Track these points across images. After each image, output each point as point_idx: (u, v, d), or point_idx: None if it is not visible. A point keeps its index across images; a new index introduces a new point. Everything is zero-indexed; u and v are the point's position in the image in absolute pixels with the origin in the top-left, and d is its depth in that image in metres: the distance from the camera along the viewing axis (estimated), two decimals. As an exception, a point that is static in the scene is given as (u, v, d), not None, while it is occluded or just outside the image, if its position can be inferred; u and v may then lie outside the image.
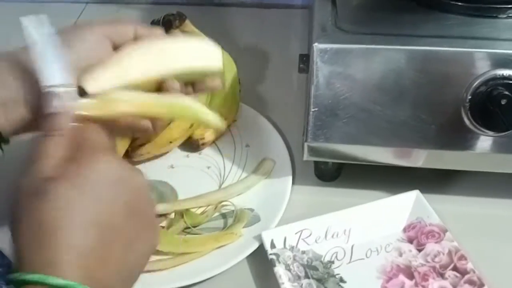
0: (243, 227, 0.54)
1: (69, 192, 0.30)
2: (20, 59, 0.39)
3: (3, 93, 0.39)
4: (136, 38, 0.42)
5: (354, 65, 0.50)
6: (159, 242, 0.35)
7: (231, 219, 0.55)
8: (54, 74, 0.34)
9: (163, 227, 0.54)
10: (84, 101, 0.36)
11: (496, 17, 0.53)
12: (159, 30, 0.44)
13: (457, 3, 0.54)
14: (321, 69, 0.50)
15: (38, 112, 0.37)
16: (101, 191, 0.31)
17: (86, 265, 0.29)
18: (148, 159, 0.61)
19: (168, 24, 0.60)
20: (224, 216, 0.56)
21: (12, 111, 0.39)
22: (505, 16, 0.53)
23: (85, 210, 0.30)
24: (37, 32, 0.35)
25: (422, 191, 0.54)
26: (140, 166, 0.61)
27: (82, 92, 0.37)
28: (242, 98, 0.67)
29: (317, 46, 0.49)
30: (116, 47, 0.42)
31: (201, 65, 0.43)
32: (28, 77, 0.38)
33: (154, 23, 0.61)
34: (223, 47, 0.64)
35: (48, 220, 0.29)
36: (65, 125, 0.34)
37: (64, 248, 0.29)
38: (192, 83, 0.45)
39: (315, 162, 0.59)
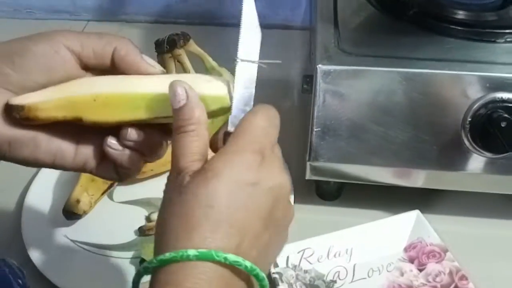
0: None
1: (208, 186, 0.30)
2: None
3: None
4: (113, 61, 0.36)
5: (356, 87, 0.50)
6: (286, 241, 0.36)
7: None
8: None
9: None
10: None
11: (494, 41, 0.54)
12: (152, 68, 0.36)
13: (457, 27, 0.55)
14: (324, 90, 0.51)
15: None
16: (241, 195, 0.31)
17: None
18: (151, 177, 0.61)
19: (173, 44, 0.61)
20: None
21: None
22: (503, 40, 0.54)
23: (223, 208, 0.30)
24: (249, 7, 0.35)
25: (423, 211, 0.55)
26: (142, 183, 0.61)
27: (11, 113, 0.33)
28: (243, 117, 0.67)
29: (320, 67, 0.50)
30: (87, 68, 0.36)
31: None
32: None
33: (159, 42, 0.62)
34: (226, 67, 0.66)
35: (188, 213, 0.30)
36: (200, 118, 0.33)
37: (207, 244, 0.29)
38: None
39: (317, 182, 0.60)
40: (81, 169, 0.37)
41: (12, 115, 0.34)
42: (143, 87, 0.35)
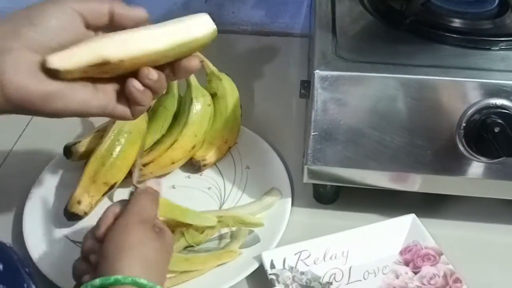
0: (244, 247, 0.55)
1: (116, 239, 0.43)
2: None
3: None
4: (112, 17, 0.40)
5: (353, 92, 0.52)
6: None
7: (225, 240, 0.56)
8: None
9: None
10: None
11: (489, 49, 0.55)
12: (140, 11, 0.41)
13: (452, 35, 0.56)
14: (321, 95, 0.52)
15: None
16: (148, 242, 0.43)
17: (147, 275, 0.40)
18: (150, 179, 0.62)
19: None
20: (220, 236, 0.57)
21: None
22: (497, 48, 0.55)
23: (140, 250, 0.42)
24: None
25: (418, 215, 0.56)
26: (143, 185, 0.62)
27: (48, 72, 0.37)
28: (243, 122, 0.68)
29: (318, 73, 0.51)
30: (89, 26, 0.40)
31: (188, 36, 0.41)
32: None
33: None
34: (226, 73, 0.67)
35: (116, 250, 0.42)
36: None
37: (133, 263, 0.41)
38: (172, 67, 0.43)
39: (314, 185, 0.61)
40: (102, 112, 0.41)
41: (49, 74, 0.37)
42: (149, 42, 0.39)
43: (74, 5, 0.39)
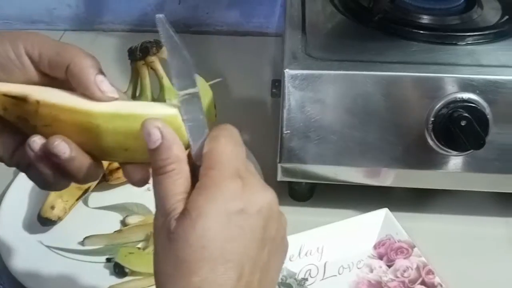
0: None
1: (198, 227, 0.30)
2: None
3: None
4: (68, 70, 0.34)
5: (323, 90, 0.52)
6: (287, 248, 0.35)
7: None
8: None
9: (139, 248, 0.55)
10: None
11: (456, 44, 0.56)
12: (95, 88, 0.34)
13: (419, 31, 0.57)
14: (292, 94, 0.52)
15: None
16: (231, 226, 0.30)
17: None
18: (125, 182, 0.62)
19: (145, 51, 0.62)
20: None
21: None
22: (464, 43, 0.56)
23: (216, 243, 0.30)
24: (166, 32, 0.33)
25: (392, 209, 0.57)
26: (117, 189, 0.62)
27: None
28: (217, 122, 0.68)
29: (288, 72, 0.52)
30: (44, 75, 0.36)
31: (138, 111, 0.34)
32: None
33: (132, 50, 0.63)
34: (200, 73, 0.67)
35: (184, 259, 0.30)
36: (179, 156, 0.32)
37: (208, 285, 0.29)
38: None
39: (289, 183, 0.61)
40: (15, 164, 0.37)
41: None
42: (85, 103, 0.34)
43: (29, 50, 0.35)
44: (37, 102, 0.34)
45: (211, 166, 0.31)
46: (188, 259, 0.29)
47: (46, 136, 0.34)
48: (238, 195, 0.31)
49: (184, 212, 0.30)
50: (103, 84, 0.34)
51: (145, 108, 0.34)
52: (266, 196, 0.33)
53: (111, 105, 0.34)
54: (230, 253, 0.30)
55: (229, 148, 0.32)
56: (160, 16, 0.33)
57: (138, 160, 0.35)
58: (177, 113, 0.33)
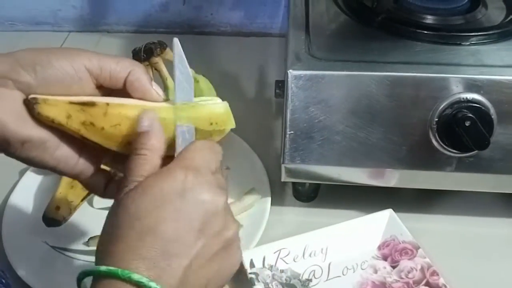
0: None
1: (139, 200, 0.33)
2: None
3: None
4: (125, 84, 0.38)
5: (327, 90, 0.52)
6: (237, 264, 0.37)
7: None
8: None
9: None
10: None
11: (460, 44, 0.56)
12: (152, 91, 0.39)
13: (423, 31, 0.57)
14: (295, 94, 0.52)
15: None
16: (169, 206, 0.33)
17: (149, 272, 0.31)
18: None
19: (149, 52, 0.62)
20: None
21: None
22: (468, 43, 0.56)
23: (150, 219, 0.33)
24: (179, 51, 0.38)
25: (396, 210, 0.56)
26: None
27: (28, 106, 0.36)
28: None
29: (291, 72, 0.52)
30: (101, 87, 0.39)
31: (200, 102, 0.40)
32: None
33: (136, 51, 0.63)
34: (204, 74, 0.67)
35: (119, 225, 0.33)
36: (154, 146, 0.36)
37: (131, 253, 0.32)
38: None
39: (293, 184, 0.61)
40: (76, 176, 0.40)
41: (30, 110, 0.36)
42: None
43: (89, 65, 0.37)
44: (107, 104, 0.37)
45: (175, 159, 0.36)
46: (122, 226, 0.33)
47: (112, 136, 0.37)
48: (185, 182, 0.34)
49: (135, 186, 0.34)
50: (158, 88, 0.39)
51: (200, 101, 0.40)
52: (216, 194, 0.35)
53: (167, 103, 0.39)
54: (161, 231, 0.32)
55: (198, 149, 0.37)
56: (175, 39, 0.38)
57: None
58: (227, 103, 0.40)
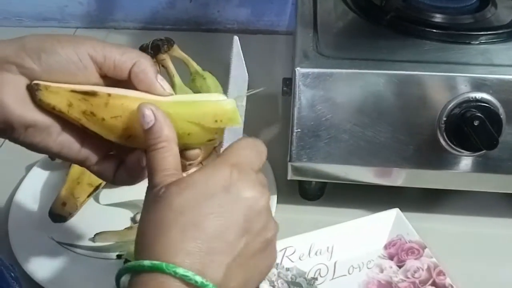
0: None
1: (182, 194, 0.32)
2: None
3: None
4: (130, 74, 0.37)
5: (334, 89, 0.52)
6: (273, 264, 0.37)
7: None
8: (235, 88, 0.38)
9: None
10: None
11: (469, 43, 0.56)
12: (157, 84, 0.38)
13: (432, 30, 0.57)
14: (303, 92, 0.52)
15: None
16: (213, 202, 0.33)
17: (193, 266, 0.31)
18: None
19: (157, 49, 0.62)
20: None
21: None
22: (477, 42, 0.56)
23: (194, 214, 0.32)
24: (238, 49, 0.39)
25: (403, 209, 0.56)
26: (128, 186, 0.62)
27: (31, 92, 0.36)
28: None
29: (299, 70, 0.52)
30: (105, 76, 0.38)
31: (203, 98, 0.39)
32: None
33: (143, 48, 0.63)
34: (210, 71, 0.67)
35: (160, 219, 0.32)
36: (169, 135, 0.35)
37: (174, 247, 0.31)
38: None
39: (299, 182, 0.61)
40: (81, 163, 0.40)
41: (32, 96, 0.36)
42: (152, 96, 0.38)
43: (93, 53, 0.37)
44: (108, 95, 0.36)
45: (220, 155, 0.35)
46: (165, 221, 0.32)
47: (112, 127, 0.37)
48: (228, 178, 0.33)
49: (177, 181, 0.33)
50: (164, 82, 0.38)
51: (204, 97, 0.39)
52: (258, 193, 0.34)
53: (172, 98, 0.38)
54: (204, 226, 0.32)
55: (243, 148, 0.36)
56: (236, 37, 0.39)
57: (197, 145, 0.39)
58: (233, 100, 0.38)
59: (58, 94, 0.36)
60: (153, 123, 0.35)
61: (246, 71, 0.39)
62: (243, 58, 0.39)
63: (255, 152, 0.36)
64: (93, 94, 0.36)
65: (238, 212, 0.33)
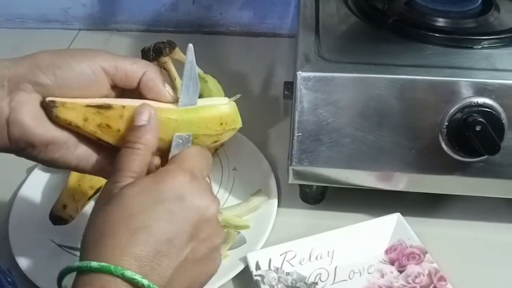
0: (229, 249, 0.55)
1: (135, 197, 0.33)
2: None
3: None
4: (140, 84, 0.39)
5: (336, 93, 0.52)
6: (216, 270, 0.38)
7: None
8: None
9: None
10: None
11: (471, 47, 0.56)
12: (166, 92, 0.39)
13: (434, 34, 0.56)
14: (304, 96, 0.52)
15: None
16: (164, 208, 0.33)
17: (141, 270, 0.32)
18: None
19: (158, 52, 0.62)
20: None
21: None
22: (479, 47, 0.56)
23: (144, 217, 0.33)
24: (191, 58, 0.40)
25: (404, 214, 0.56)
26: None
27: (46, 109, 0.37)
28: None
29: (300, 74, 0.51)
30: (115, 87, 0.39)
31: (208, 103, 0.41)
32: None
33: (145, 50, 0.63)
34: (212, 74, 0.67)
35: (110, 220, 0.33)
36: (149, 141, 0.36)
37: (122, 250, 0.32)
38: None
39: (300, 186, 0.61)
40: (99, 173, 0.41)
41: (47, 113, 0.37)
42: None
43: (106, 65, 0.38)
44: (123, 107, 0.38)
45: (172, 160, 0.37)
46: (114, 221, 0.33)
47: (125, 127, 0.38)
48: (183, 185, 0.34)
49: (131, 183, 0.34)
50: (170, 90, 0.40)
51: (208, 101, 0.41)
52: (209, 201, 0.35)
53: (179, 104, 0.39)
54: (154, 230, 0.33)
55: (194, 155, 0.37)
56: (190, 45, 0.40)
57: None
58: (234, 103, 0.41)
59: (74, 110, 0.37)
60: (144, 124, 0.36)
61: (198, 80, 0.40)
62: (196, 67, 0.40)
63: (204, 159, 0.38)
64: (107, 107, 0.38)
65: (188, 219, 0.34)
